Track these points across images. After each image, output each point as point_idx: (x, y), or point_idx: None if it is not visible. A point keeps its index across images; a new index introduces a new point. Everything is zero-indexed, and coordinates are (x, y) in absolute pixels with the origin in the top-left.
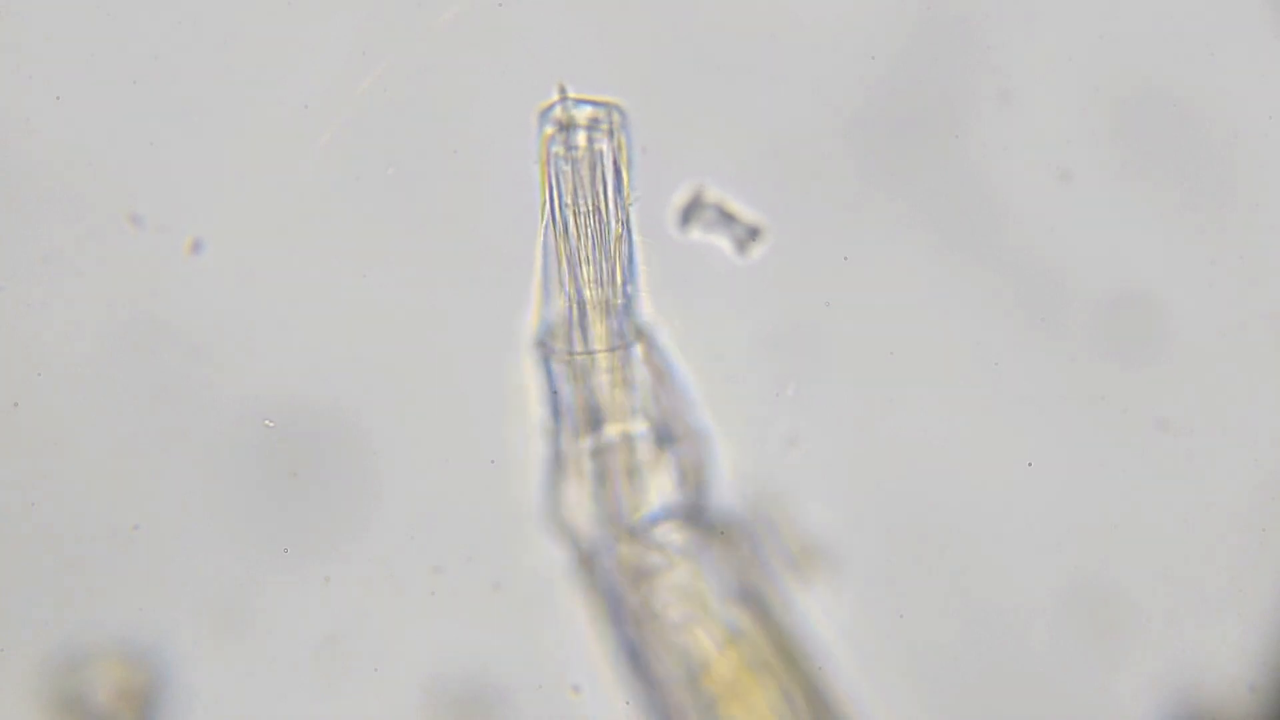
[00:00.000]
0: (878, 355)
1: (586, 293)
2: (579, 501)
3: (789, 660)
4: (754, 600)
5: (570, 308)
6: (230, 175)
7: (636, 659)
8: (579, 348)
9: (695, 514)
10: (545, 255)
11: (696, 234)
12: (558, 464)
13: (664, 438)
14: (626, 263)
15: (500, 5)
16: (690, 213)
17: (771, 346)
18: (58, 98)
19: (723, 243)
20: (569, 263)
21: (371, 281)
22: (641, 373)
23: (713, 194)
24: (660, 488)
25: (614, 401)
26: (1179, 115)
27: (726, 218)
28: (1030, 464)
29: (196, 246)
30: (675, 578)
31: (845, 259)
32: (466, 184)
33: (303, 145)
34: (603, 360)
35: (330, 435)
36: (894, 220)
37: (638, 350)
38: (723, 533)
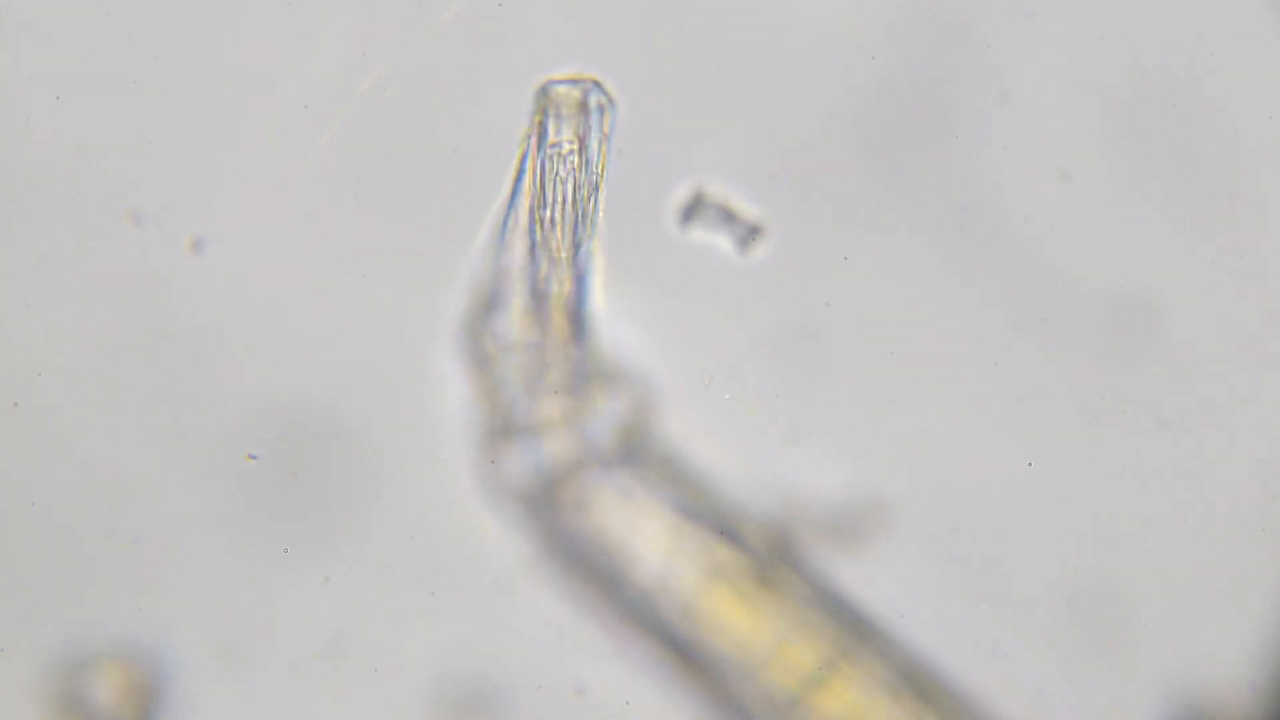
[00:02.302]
0: (878, 355)
1: (553, 240)
2: (520, 460)
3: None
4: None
5: (531, 258)
6: (230, 175)
7: (608, 590)
8: (530, 317)
9: (632, 453)
10: (513, 202)
11: (697, 233)
12: (495, 435)
13: (599, 389)
14: (589, 223)
15: (500, 5)
16: (691, 212)
17: (771, 346)
18: (58, 98)
19: (723, 242)
20: (537, 213)
21: (371, 281)
22: (583, 347)
23: (714, 193)
24: (597, 426)
25: (555, 377)
26: (1179, 115)
27: (727, 217)
28: (1030, 464)
29: (196, 246)
30: (613, 493)
31: (845, 259)
32: (466, 184)
33: (303, 145)
34: (552, 350)
35: (330, 435)
36: (894, 220)
37: (585, 331)
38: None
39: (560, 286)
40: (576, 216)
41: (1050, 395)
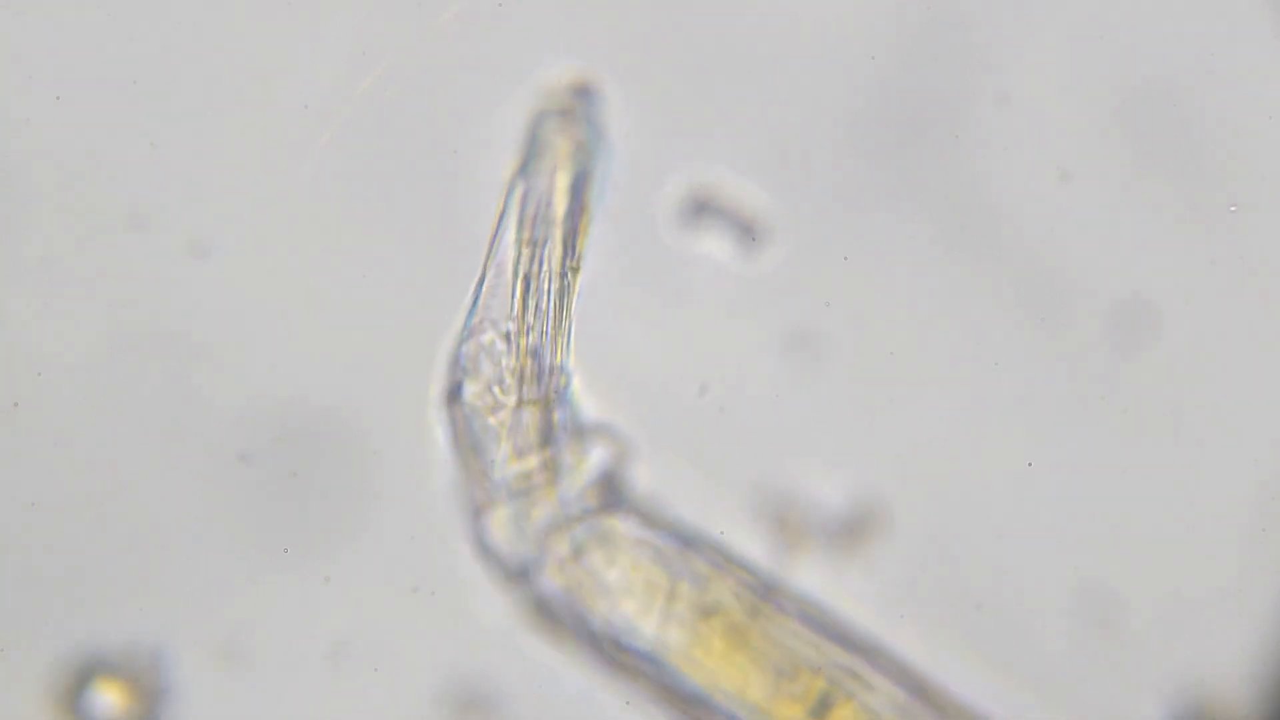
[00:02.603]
0: (878, 355)
1: (537, 294)
2: (504, 522)
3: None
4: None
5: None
6: (230, 176)
7: (594, 644)
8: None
9: (614, 503)
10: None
11: (697, 234)
12: (480, 493)
13: (579, 441)
14: (574, 277)
15: (500, 5)
16: (690, 213)
17: (771, 346)
18: (58, 98)
19: (722, 243)
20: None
21: (371, 281)
22: (564, 401)
23: (713, 194)
24: (577, 482)
25: (536, 432)
26: (1179, 115)
27: (726, 218)
28: (1030, 464)
29: (196, 247)
30: (603, 546)
31: (845, 259)
32: (466, 184)
33: (303, 145)
34: (530, 404)
35: (330, 435)
36: (894, 220)
37: (563, 381)
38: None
39: (541, 342)
40: (561, 273)
41: (1050, 395)
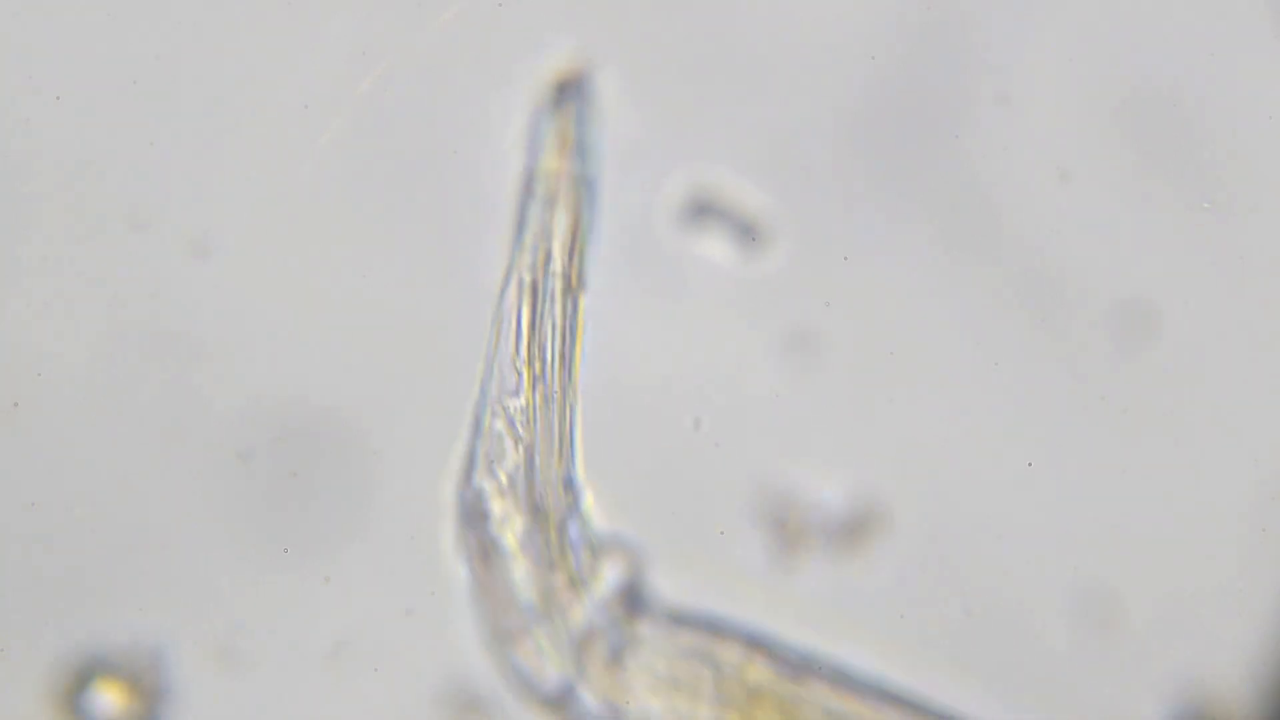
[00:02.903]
0: (878, 355)
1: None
2: (536, 648)
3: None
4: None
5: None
6: (231, 176)
7: None
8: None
9: (639, 607)
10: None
11: (696, 234)
12: (507, 620)
13: (595, 551)
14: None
15: (500, 5)
16: (690, 213)
17: (771, 347)
18: (58, 98)
19: (722, 243)
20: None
21: (371, 281)
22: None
23: (712, 194)
24: (600, 592)
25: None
26: (1179, 115)
27: (726, 218)
28: (1030, 464)
29: (196, 247)
30: (638, 652)
31: (845, 259)
32: (466, 184)
33: (303, 145)
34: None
35: (329, 435)
36: (894, 220)
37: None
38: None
39: (549, 405)
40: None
41: (1050, 396)
